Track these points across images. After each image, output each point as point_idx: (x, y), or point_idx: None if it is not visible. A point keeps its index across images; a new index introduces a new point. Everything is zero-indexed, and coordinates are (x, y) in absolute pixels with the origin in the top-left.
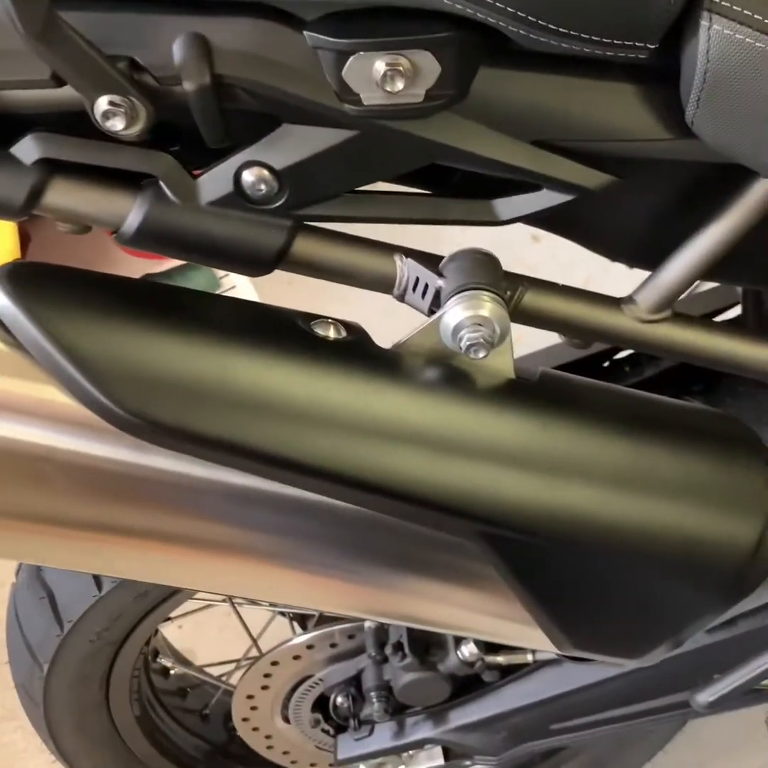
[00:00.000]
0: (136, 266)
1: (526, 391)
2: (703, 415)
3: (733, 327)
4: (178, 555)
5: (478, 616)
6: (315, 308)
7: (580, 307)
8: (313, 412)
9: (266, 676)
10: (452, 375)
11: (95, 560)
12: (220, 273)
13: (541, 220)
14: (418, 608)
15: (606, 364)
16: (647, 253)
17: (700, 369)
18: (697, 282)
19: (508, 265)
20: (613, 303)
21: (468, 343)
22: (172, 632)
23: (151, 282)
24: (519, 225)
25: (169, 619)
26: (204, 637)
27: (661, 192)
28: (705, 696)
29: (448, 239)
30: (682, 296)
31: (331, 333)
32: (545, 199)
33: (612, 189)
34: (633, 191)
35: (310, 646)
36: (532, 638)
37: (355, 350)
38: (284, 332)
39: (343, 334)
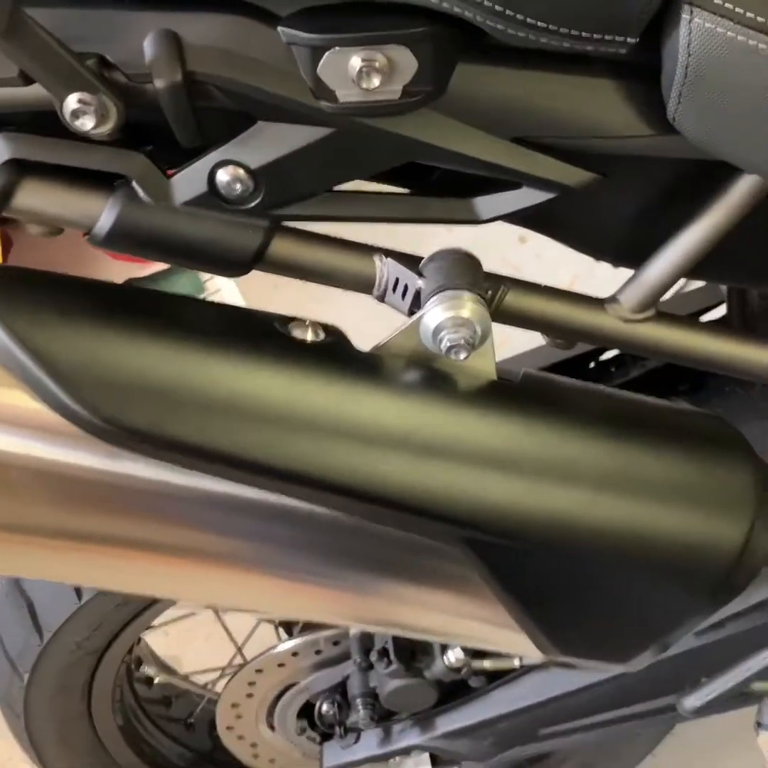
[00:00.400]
0: (120, 270)
1: (508, 392)
2: (688, 415)
3: (717, 326)
4: (156, 564)
5: (463, 622)
6: (301, 311)
7: (563, 307)
8: (290, 416)
9: (250, 684)
10: (433, 377)
11: (71, 571)
12: (205, 276)
13: (523, 218)
14: (402, 615)
15: (592, 364)
16: (631, 252)
17: (686, 369)
18: (682, 281)
19: (495, 265)
20: (596, 303)
21: (448, 344)
22: (158, 639)
23: (128, 286)
24: (505, 226)
25: (152, 627)
26: (191, 644)
27: (644, 189)
28: (692, 701)
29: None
30: (667, 296)
31: (309, 335)
32: (526, 197)
33: (594, 187)
34: (615, 189)
35: (294, 653)
36: (517, 644)
37: (333, 352)
38: (260, 335)
39: (322, 336)
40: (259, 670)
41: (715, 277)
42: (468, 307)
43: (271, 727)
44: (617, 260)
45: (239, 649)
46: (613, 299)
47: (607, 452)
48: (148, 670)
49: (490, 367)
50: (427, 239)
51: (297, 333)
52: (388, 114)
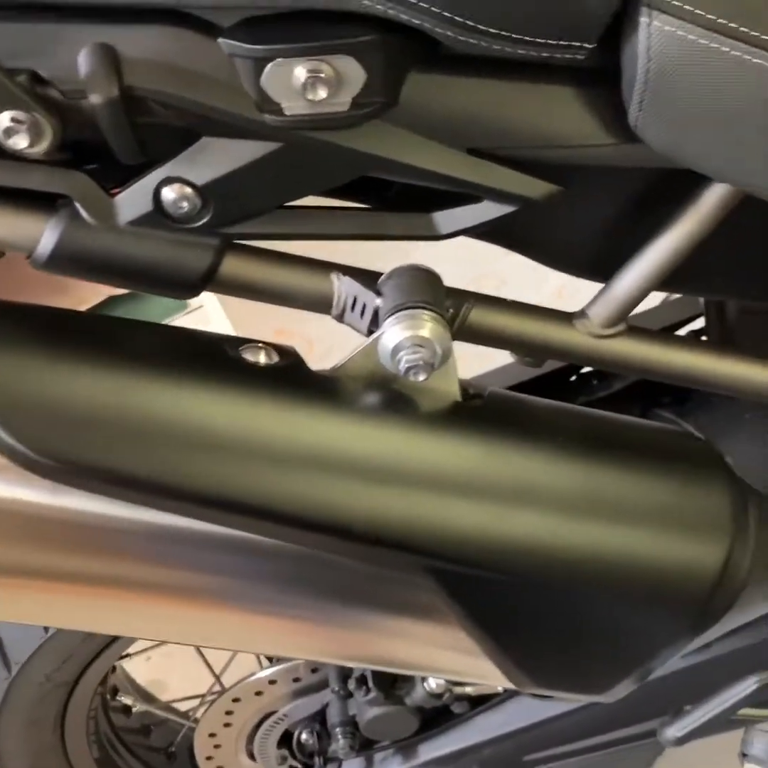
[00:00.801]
0: (101, 289)
1: (471, 414)
2: (662, 434)
3: (690, 340)
4: (102, 602)
5: (434, 654)
6: (288, 322)
7: (530, 323)
8: (240, 445)
9: (228, 713)
10: (393, 399)
11: (21, 610)
12: None
13: (485, 233)
14: (370, 649)
15: (573, 377)
16: (599, 265)
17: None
18: (664, 295)
19: (481, 276)
20: (565, 318)
21: (407, 365)
22: (140, 665)
23: (71, 311)
24: None
25: (127, 655)
26: (175, 669)
27: (610, 201)
28: (673, 731)
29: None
30: (641, 310)
31: (262, 358)
32: (486, 211)
33: (556, 199)
34: (579, 200)
35: (272, 681)
36: (491, 676)
37: (287, 376)
38: (210, 359)
39: (276, 359)
40: (236, 699)
41: (687, 289)
42: (427, 326)
43: (252, 757)
44: (585, 274)
45: (218, 678)
46: (582, 314)
47: (577, 475)
48: (125, 699)
49: (452, 387)
50: (411, 252)
51: (249, 356)
52: (337, 127)
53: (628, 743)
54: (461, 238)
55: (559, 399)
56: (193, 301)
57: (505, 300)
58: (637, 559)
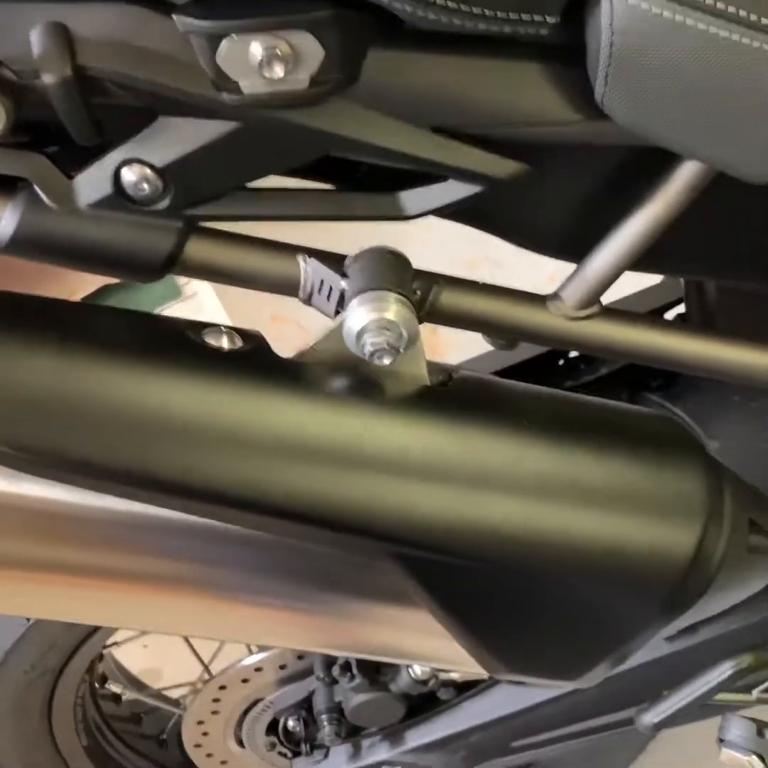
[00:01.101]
0: (94, 278)
1: (439, 397)
2: (636, 416)
3: (667, 321)
4: (69, 590)
5: (405, 641)
6: (278, 310)
7: (502, 305)
8: (200, 430)
9: (215, 700)
10: (358, 383)
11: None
12: (182, 280)
13: (454, 214)
14: (340, 636)
15: (561, 362)
16: (571, 245)
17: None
18: (655, 278)
19: (477, 260)
20: (538, 300)
21: (372, 348)
22: (136, 652)
23: (25, 295)
24: None
25: (116, 643)
26: (171, 657)
27: (580, 180)
28: (650, 716)
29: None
30: (620, 297)
31: (225, 343)
32: (453, 191)
33: (523, 178)
34: (548, 180)
35: (258, 669)
36: (464, 662)
37: (250, 361)
38: (170, 344)
39: (239, 343)
40: (222, 687)
41: (663, 269)
42: (392, 309)
43: (241, 744)
44: (559, 254)
45: (206, 667)
46: (555, 296)
47: (547, 458)
48: (114, 687)
49: (420, 370)
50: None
51: (211, 340)
52: (297, 105)
53: (615, 729)
54: (455, 225)
55: (546, 384)
56: (187, 290)
57: (476, 282)
58: (607, 542)
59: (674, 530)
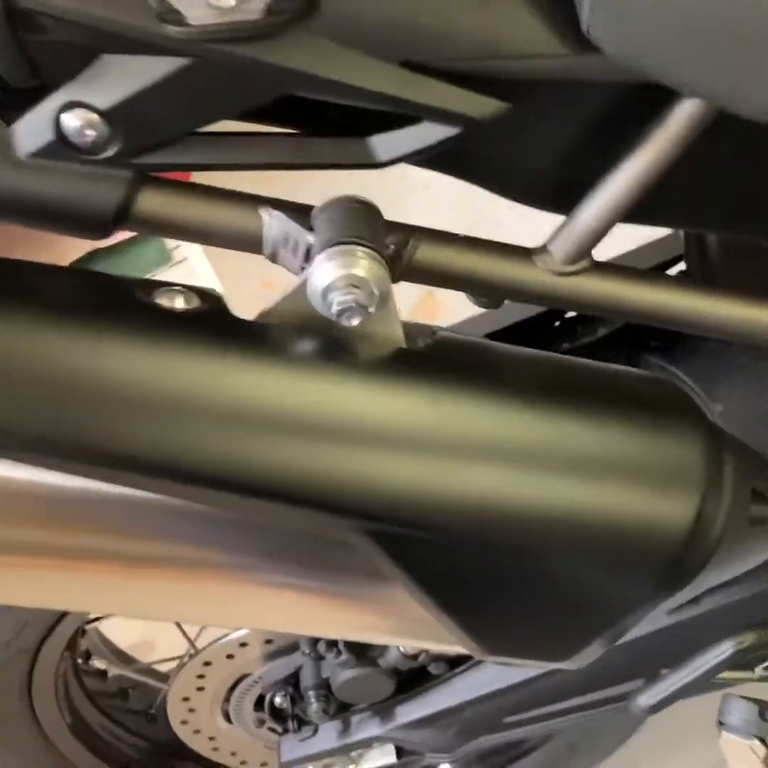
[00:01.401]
0: (82, 242)
1: (415, 360)
2: (631, 379)
3: (663, 275)
4: (26, 571)
5: (382, 621)
6: (270, 275)
7: (485, 260)
8: (151, 398)
9: (200, 677)
10: (326, 346)
11: None
12: (171, 244)
13: (432, 161)
14: (317, 618)
15: (556, 323)
16: (560, 195)
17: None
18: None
19: (477, 223)
20: (524, 254)
21: (339, 307)
22: (132, 624)
23: None
24: None
25: (97, 619)
26: (166, 628)
27: (566, 121)
28: (645, 699)
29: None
30: (624, 254)
31: (179, 303)
32: (427, 134)
33: (505, 118)
34: (532, 122)
35: (243, 644)
36: (447, 642)
37: (207, 322)
38: (118, 305)
39: (196, 303)
40: (207, 663)
41: (660, 220)
42: (362, 264)
43: (228, 719)
44: (547, 205)
45: (191, 642)
46: (543, 250)
47: (532, 424)
48: (98, 662)
49: (395, 332)
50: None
51: (164, 301)
52: (251, 38)
53: (610, 704)
54: (455, 183)
55: (541, 347)
56: (177, 254)
57: (456, 235)
58: (596, 515)
59: (670, 501)
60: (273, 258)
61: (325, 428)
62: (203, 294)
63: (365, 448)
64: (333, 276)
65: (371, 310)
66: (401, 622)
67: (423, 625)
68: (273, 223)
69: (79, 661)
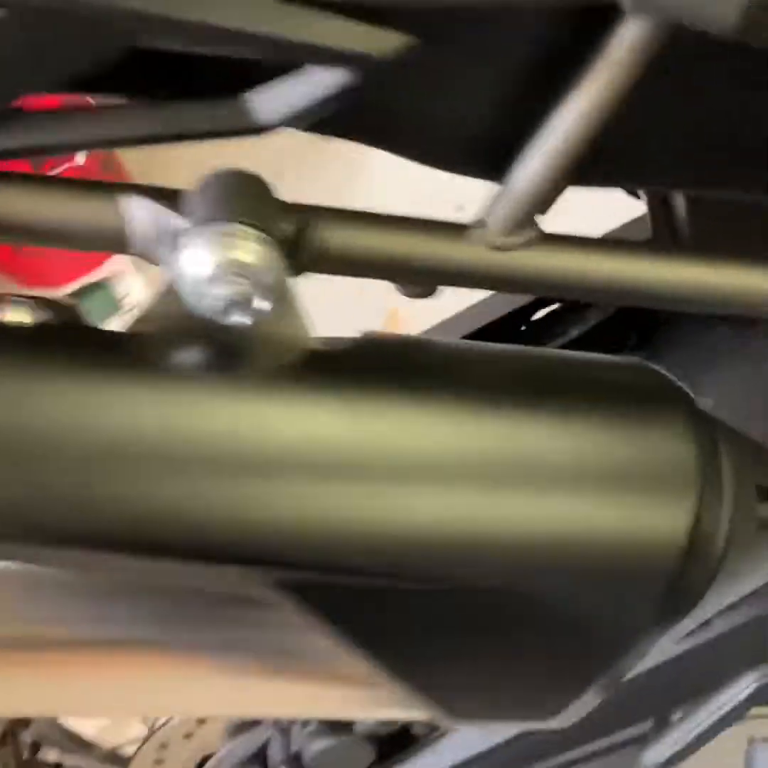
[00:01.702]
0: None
1: (329, 367)
2: (607, 368)
3: (624, 243)
4: None
5: (336, 694)
6: None
7: (410, 241)
8: None
9: (158, 762)
10: (207, 356)
11: None
12: (122, 292)
13: (331, 124)
14: (253, 696)
15: (535, 316)
16: (492, 158)
17: (634, 320)
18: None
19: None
20: (457, 230)
21: (218, 304)
22: None
23: None
24: None
25: None
26: None
27: (490, 63)
28: (654, 755)
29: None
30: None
31: (23, 316)
32: (316, 83)
33: (415, 61)
34: (448, 63)
35: (201, 721)
36: (416, 709)
37: (58, 337)
38: None
39: (46, 316)
40: (164, 745)
41: (615, 179)
42: (243, 246)
43: None
44: (479, 172)
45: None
46: (479, 223)
47: (481, 431)
48: (50, 754)
49: (301, 332)
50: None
51: (6, 314)
52: None
53: (618, 750)
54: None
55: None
56: (127, 302)
57: (374, 214)
58: (574, 535)
59: (661, 509)
60: (142, 253)
61: (205, 458)
62: (55, 304)
63: (258, 480)
64: (207, 263)
65: (264, 306)
66: (353, 691)
67: (381, 692)
68: (136, 213)
69: (25, 755)
